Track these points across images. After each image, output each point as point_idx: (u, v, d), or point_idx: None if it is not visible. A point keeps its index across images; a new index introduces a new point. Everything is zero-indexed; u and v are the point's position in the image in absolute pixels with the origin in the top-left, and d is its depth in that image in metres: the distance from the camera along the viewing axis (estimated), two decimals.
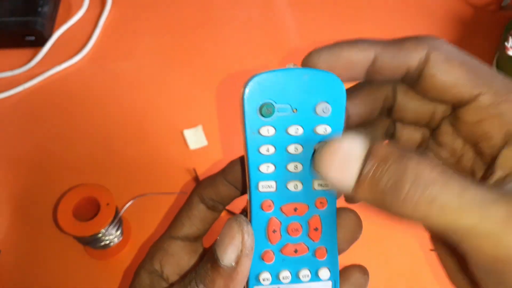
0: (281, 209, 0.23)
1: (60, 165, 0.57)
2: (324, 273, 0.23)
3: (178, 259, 0.26)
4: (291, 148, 0.22)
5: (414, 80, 0.23)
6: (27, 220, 0.54)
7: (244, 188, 0.25)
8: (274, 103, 0.22)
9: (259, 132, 0.22)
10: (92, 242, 0.48)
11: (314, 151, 0.22)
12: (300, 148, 0.22)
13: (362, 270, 0.25)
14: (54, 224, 0.53)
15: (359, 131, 0.25)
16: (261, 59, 0.64)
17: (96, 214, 0.46)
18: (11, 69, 0.64)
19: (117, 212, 0.48)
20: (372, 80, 0.23)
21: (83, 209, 0.48)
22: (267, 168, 0.22)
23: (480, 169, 0.23)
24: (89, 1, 0.70)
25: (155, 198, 0.53)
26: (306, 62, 0.23)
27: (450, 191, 0.18)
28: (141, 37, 0.67)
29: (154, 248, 0.26)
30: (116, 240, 0.50)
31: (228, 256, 0.21)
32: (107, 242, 0.49)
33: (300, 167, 0.22)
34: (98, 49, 0.66)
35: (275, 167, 0.22)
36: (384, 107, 0.25)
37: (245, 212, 0.24)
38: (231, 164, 0.25)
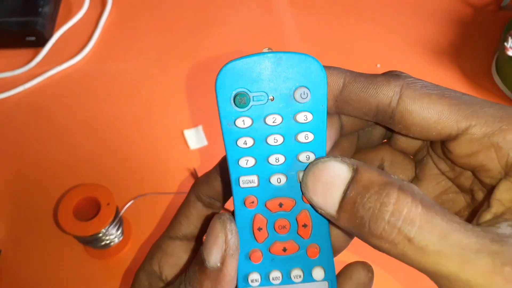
0: (265, 205, 0.21)
1: (61, 165, 0.57)
2: (318, 273, 0.22)
3: (177, 259, 0.25)
4: (271, 139, 0.21)
5: (388, 119, 0.21)
6: (28, 219, 0.54)
7: None
8: (248, 92, 0.20)
9: (235, 124, 0.21)
10: (92, 241, 0.48)
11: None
12: (280, 139, 0.21)
13: (366, 267, 0.23)
14: (54, 223, 0.53)
15: (355, 134, 0.25)
16: None
17: (96, 214, 0.46)
18: (12, 69, 0.64)
19: (117, 212, 0.48)
20: (341, 112, 0.22)
21: (84, 209, 0.48)
22: (247, 162, 0.21)
23: (478, 189, 0.22)
24: (90, 1, 0.70)
25: (155, 198, 0.53)
26: None
27: (431, 232, 0.17)
28: (141, 38, 0.67)
29: (154, 248, 0.26)
30: (116, 240, 0.50)
31: (213, 257, 0.21)
32: (108, 242, 0.49)
33: (282, 159, 0.21)
34: (98, 50, 0.66)
35: (256, 160, 0.21)
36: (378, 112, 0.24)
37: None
38: (224, 159, 0.25)
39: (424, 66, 0.62)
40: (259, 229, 0.22)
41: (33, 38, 0.65)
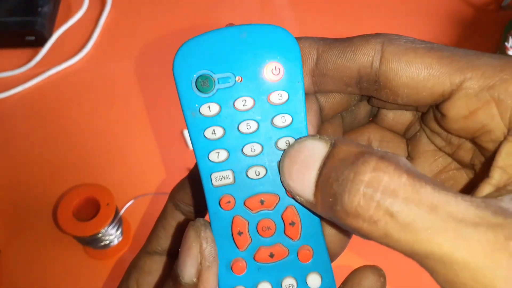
0: (244, 204, 0.18)
1: (60, 165, 0.57)
2: (314, 280, 0.18)
3: (155, 276, 0.22)
4: (243, 126, 0.18)
5: (373, 84, 0.18)
6: (27, 220, 0.54)
7: None
8: (212, 74, 0.17)
9: (200, 112, 0.18)
10: (92, 242, 0.48)
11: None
12: (254, 125, 0.18)
13: (377, 271, 0.19)
14: (54, 224, 0.53)
15: (338, 116, 0.22)
16: None
17: (96, 214, 0.46)
18: (11, 69, 0.64)
19: (117, 212, 0.48)
20: (320, 88, 0.19)
21: (83, 209, 0.48)
22: (218, 155, 0.18)
23: (480, 162, 0.19)
24: (89, 1, 0.70)
25: (155, 198, 0.53)
26: None
27: (418, 205, 0.14)
28: (141, 37, 0.67)
29: (131, 266, 0.23)
30: (116, 240, 0.50)
31: (187, 271, 0.18)
32: (107, 242, 0.49)
33: (259, 148, 0.18)
34: (98, 49, 0.66)
35: (228, 152, 0.18)
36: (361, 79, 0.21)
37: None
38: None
39: None
40: (240, 233, 0.18)
41: (32, 38, 0.65)
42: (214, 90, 0.18)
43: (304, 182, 0.16)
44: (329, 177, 0.15)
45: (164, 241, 0.22)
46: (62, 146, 0.58)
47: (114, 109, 0.61)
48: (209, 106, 0.18)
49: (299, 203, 0.18)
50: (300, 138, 0.17)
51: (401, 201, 0.14)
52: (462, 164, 0.20)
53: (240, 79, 0.18)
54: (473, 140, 0.18)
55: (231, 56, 0.17)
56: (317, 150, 0.16)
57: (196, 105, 0.18)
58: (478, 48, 0.64)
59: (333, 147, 0.16)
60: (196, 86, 0.18)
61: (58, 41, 0.67)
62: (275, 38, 0.18)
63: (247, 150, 0.18)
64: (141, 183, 0.54)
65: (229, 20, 0.68)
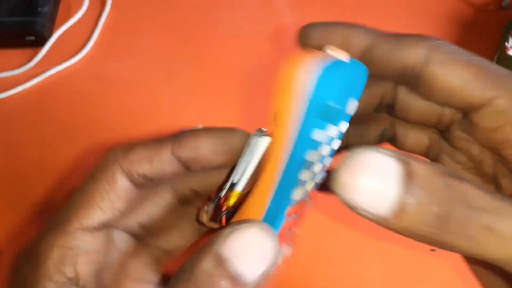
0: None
1: (61, 165, 0.57)
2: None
3: (98, 256, 0.19)
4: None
5: (413, 81, 0.20)
6: (28, 220, 0.54)
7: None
8: (337, 105, 0.18)
9: (313, 137, 0.18)
10: None
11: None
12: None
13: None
14: None
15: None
16: (261, 59, 0.64)
17: None
18: (11, 69, 0.64)
19: None
20: None
21: None
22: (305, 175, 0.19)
23: (503, 176, 0.20)
24: (89, 1, 0.70)
25: None
26: (300, 36, 0.21)
27: (506, 218, 0.15)
28: (141, 37, 0.67)
29: (54, 250, 0.19)
30: None
31: (254, 272, 0.17)
32: None
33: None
34: (98, 49, 0.66)
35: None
36: (381, 104, 0.22)
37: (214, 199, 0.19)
38: (187, 135, 0.21)
39: None
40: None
41: (32, 38, 0.65)
42: (334, 119, 0.18)
43: (378, 199, 0.15)
44: (424, 201, 0.15)
45: (105, 214, 0.19)
46: (62, 145, 0.58)
47: (114, 108, 0.61)
48: (326, 134, 0.18)
49: (358, 213, 0.17)
50: (357, 149, 0.16)
51: (495, 216, 0.15)
52: (485, 179, 0.21)
53: (346, 110, 0.19)
54: (498, 153, 0.19)
55: (349, 89, 0.18)
56: (388, 165, 0.15)
57: (314, 128, 0.18)
58: (478, 48, 0.65)
59: (406, 164, 0.15)
60: (322, 114, 0.18)
61: (58, 41, 0.67)
62: (363, 77, 0.20)
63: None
64: None
65: (229, 20, 0.68)
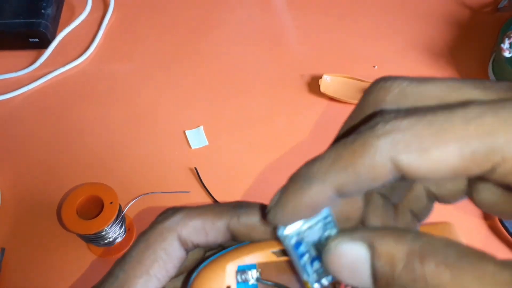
0: None
1: (64, 165, 0.58)
2: None
3: None
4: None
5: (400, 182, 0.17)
6: (32, 218, 0.55)
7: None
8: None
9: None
10: (95, 239, 0.49)
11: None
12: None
13: None
14: (58, 222, 0.54)
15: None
16: (261, 60, 0.65)
17: (99, 213, 0.47)
18: (16, 70, 0.65)
19: (120, 211, 0.49)
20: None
21: (87, 207, 0.49)
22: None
23: None
24: (92, 3, 0.71)
25: (157, 196, 0.54)
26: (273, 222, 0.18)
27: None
28: (143, 39, 0.68)
29: None
30: (119, 238, 0.51)
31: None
32: (111, 239, 0.50)
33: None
34: (101, 51, 0.67)
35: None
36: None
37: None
38: (244, 211, 0.20)
39: (421, 68, 0.63)
40: None
41: (36, 40, 0.66)
42: None
43: (358, 279, 0.16)
44: (388, 281, 0.15)
45: (162, 281, 0.19)
46: (66, 145, 0.59)
47: (117, 109, 0.62)
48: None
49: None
50: (333, 239, 0.16)
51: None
52: None
53: None
54: None
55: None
56: (359, 252, 0.15)
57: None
58: (475, 50, 0.65)
59: (371, 246, 0.15)
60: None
61: (62, 43, 0.68)
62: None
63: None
64: (144, 182, 0.55)
65: (229, 22, 0.69)
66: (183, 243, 0.20)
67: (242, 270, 0.19)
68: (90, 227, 0.47)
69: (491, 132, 0.14)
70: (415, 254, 0.15)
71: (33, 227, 0.54)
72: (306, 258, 0.18)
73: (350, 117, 0.19)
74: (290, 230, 0.18)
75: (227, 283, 0.19)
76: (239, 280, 0.19)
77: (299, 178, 0.17)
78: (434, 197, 0.20)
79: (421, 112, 0.15)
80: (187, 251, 0.20)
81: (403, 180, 0.16)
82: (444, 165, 0.14)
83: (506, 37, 0.57)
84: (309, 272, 0.18)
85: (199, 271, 0.19)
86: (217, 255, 0.20)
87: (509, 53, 0.56)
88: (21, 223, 0.54)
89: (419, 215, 0.20)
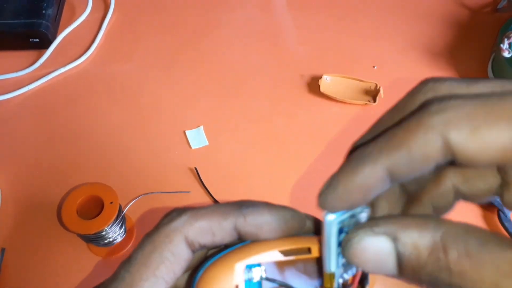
0: None
1: (64, 165, 0.58)
2: None
3: None
4: None
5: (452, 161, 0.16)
6: (32, 218, 0.55)
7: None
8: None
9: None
10: (95, 239, 0.49)
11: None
12: None
13: None
14: (58, 222, 0.54)
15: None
16: (260, 60, 0.65)
17: (99, 213, 0.47)
18: (16, 70, 0.65)
19: (120, 211, 0.49)
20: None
21: (87, 207, 0.49)
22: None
23: None
24: (92, 4, 0.71)
25: (157, 196, 0.54)
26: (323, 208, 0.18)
27: (482, 280, 0.14)
28: (144, 39, 0.68)
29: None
30: (119, 238, 0.51)
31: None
32: (111, 239, 0.50)
33: None
34: (101, 51, 0.67)
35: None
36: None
37: None
38: (250, 211, 0.20)
39: (420, 68, 0.63)
40: None
41: (37, 40, 0.66)
42: None
43: (384, 268, 0.16)
44: (414, 272, 0.16)
45: (169, 282, 0.19)
46: (66, 146, 0.59)
47: (117, 109, 0.62)
48: None
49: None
50: (354, 234, 0.17)
51: (469, 282, 0.14)
52: None
53: None
54: None
55: None
56: (381, 249, 0.16)
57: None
58: (474, 50, 0.65)
59: (396, 242, 0.16)
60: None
61: (62, 43, 0.68)
62: None
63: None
64: (144, 182, 0.55)
65: (229, 22, 0.69)
66: (189, 244, 0.19)
67: (250, 269, 0.19)
68: (90, 227, 0.47)
69: None
70: (438, 243, 0.15)
71: (33, 227, 0.54)
72: (340, 250, 0.18)
73: (390, 113, 0.18)
74: (336, 217, 0.18)
75: (236, 282, 0.19)
76: (247, 279, 0.19)
77: (352, 160, 0.17)
78: (462, 196, 0.20)
79: (474, 95, 0.15)
80: (194, 252, 0.20)
81: (450, 164, 0.16)
82: (494, 146, 0.14)
83: (505, 37, 0.57)
84: (339, 264, 0.19)
85: (205, 269, 0.19)
86: (222, 253, 0.20)
87: (509, 53, 0.56)
88: (21, 223, 0.54)
89: (440, 210, 0.20)
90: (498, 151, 0.14)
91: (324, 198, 0.17)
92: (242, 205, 0.20)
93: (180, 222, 0.19)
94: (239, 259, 0.19)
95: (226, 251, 0.20)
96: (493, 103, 0.15)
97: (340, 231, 0.18)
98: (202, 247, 0.20)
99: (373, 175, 0.16)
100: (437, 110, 0.15)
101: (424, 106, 0.16)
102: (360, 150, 0.17)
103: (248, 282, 0.19)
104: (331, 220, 0.18)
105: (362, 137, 0.19)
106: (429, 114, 0.15)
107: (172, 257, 0.19)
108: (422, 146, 0.15)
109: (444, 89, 0.16)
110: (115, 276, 0.19)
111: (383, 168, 0.16)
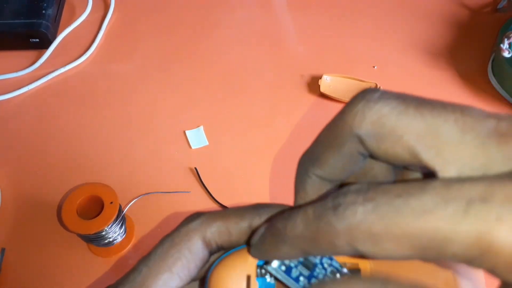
0: None
1: (64, 165, 0.58)
2: None
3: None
4: None
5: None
6: (32, 218, 0.55)
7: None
8: None
9: None
10: (95, 239, 0.49)
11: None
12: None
13: None
14: (58, 222, 0.54)
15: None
16: (261, 60, 0.65)
17: (100, 213, 0.47)
18: (16, 70, 0.65)
19: (120, 211, 0.49)
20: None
21: (87, 207, 0.49)
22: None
23: None
24: (92, 4, 0.71)
25: (157, 196, 0.54)
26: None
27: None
28: (144, 39, 0.68)
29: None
30: (119, 238, 0.51)
31: None
32: (111, 239, 0.50)
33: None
34: (101, 51, 0.67)
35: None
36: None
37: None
38: (265, 210, 0.20)
39: (420, 68, 0.63)
40: None
41: (37, 40, 0.66)
42: None
43: None
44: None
45: (184, 280, 0.20)
46: (66, 145, 0.59)
47: (117, 109, 0.62)
48: None
49: None
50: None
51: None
52: None
53: None
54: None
55: None
56: None
57: None
58: (475, 50, 0.65)
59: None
60: None
61: (62, 43, 0.68)
62: None
63: None
64: (144, 182, 0.56)
65: (229, 22, 0.69)
66: (207, 243, 0.20)
67: (262, 265, 0.20)
68: (90, 227, 0.47)
69: (437, 231, 0.13)
70: None
71: (33, 227, 0.54)
72: (302, 280, 0.19)
73: (324, 135, 0.19)
74: (276, 262, 0.19)
75: (248, 272, 0.19)
76: (259, 274, 0.19)
77: (275, 233, 0.17)
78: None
79: (380, 195, 0.15)
80: (211, 253, 0.21)
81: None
82: (399, 255, 0.15)
83: (505, 37, 0.57)
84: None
85: (220, 259, 0.20)
86: (237, 248, 0.20)
87: (509, 53, 0.57)
88: (21, 223, 0.54)
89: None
90: (404, 257, 0.15)
91: (257, 253, 0.18)
92: (258, 207, 0.21)
93: (198, 223, 0.20)
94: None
95: (240, 247, 0.20)
96: (393, 214, 0.15)
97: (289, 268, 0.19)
98: (219, 247, 0.20)
99: (291, 254, 0.17)
100: (342, 218, 0.15)
101: (334, 204, 0.16)
102: (282, 223, 0.17)
103: (261, 278, 0.20)
104: (272, 267, 0.18)
105: (308, 152, 0.20)
106: (335, 222, 0.15)
107: (189, 254, 0.20)
108: (332, 247, 0.16)
109: (373, 115, 0.16)
110: (134, 269, 0.20)
111: (299, 251, 0.17)
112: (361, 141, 0.17)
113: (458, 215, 0.13)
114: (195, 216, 0.21)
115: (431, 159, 0.15)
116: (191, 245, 0.20)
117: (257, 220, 0.20)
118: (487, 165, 0.14)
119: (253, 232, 0.20)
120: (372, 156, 0.17)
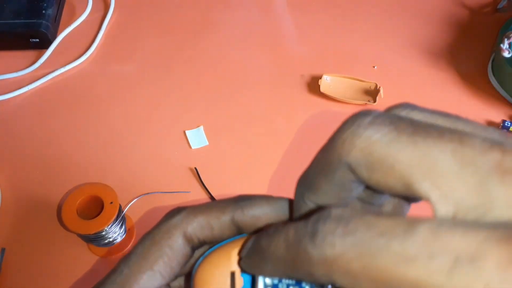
0: None
1: (65, 165, 0.58)
2: None
3: None
4: None
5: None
6: (32, 218, 0.55)
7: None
8: None
9: None
10: (95, 239, 0.49)
11: None
12: None
13: None
14: (58, 222, 0.54)
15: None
16: (260, 60, 0.65)
17: (100, 213, 0.47)
18: (16, 70, 0.65)
19: (120, 211, 0.49)
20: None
21: (87, 207, 0.49)
22: None
23: None
24: (92, 4, 0.71)
25: (157, 196, 0.54)
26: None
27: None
28: (144, 39, 0.68)
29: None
30: (119, 237, 0.51)
31: None
32: (111, 239, 0.50)
33: None
34: (101, 51, 0.67)
35: None
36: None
37: None
38: (248, 203, 0.20)
39: (420, 68, 0.63)
40: None
41: (37, 40, 0.66)
42: None
43: None
44: None
45: (166, 278, 0.20)
46: (66, 146, 0.59)
47: (117, 109, 0.62)
48: None
49: None
50: None
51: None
52: None
53: None
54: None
55: None
56: None
57: None
58: (475, 50, 0.65)
59: None
60: None
61: (62, 43, 0.68)
62: None
63: None
64: (144, 182, 0.56)
65: (229, 22, 0.69)
66: (188, 239, 0.20)
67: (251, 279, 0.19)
68: (90, 227, 0.47)
69: (416, 284, 0.12)
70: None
71: (33, 227, 0.54)
72: None
73: (317, 159, 0.18)
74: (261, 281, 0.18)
75: (232, 268, 0.19)
76: (243, 270, 0.19)
77: (259, 250, 0.17)
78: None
79: (361, 229, 0.14)
80: (193, 248, 0.20)
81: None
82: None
83: (505, 37, 0.57)
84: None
85: (204, 257, 0.20)
86: (221, 243, 0.20)
87: (508, 53, 0.57)
88: (21, 223, 0.54)
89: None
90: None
91: (247, 266, 0.18)
92: (239, 199, 0.20)
93: (178, 218, 0.20)
94: (236, 247, 0.19)
95: (224, 242, 0.20)
96: (369, 259, 0.14)
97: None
98: (202, 242, 0.20)
99: (275, 274, 0.17)
100: (321, 252, 0.14)
101: (312, 232, 0.15)
102: (267, 243, 0.17)
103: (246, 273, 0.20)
104: (262, 282, 0.18)
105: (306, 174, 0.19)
106: (313, 255, 0.14)
107: (170, 252, 0.19)
108: (310, 276, 0.15)
109: (362, 142, 0.15)
110: (115, 270, 0.20)
111: (281, 273, 0.16)
112: (351, 169, 0.16)
113: (442, 272, 0.12)
114: (176, 211, 0.20)
115: (426, 190, 0.14)
116: (172, 242, 0.19)
117: (239, 213, 0.20)
118: (487, 206, 0.13)
119: (245, 242, 0.19)
120: (366, 185, 0.16)
